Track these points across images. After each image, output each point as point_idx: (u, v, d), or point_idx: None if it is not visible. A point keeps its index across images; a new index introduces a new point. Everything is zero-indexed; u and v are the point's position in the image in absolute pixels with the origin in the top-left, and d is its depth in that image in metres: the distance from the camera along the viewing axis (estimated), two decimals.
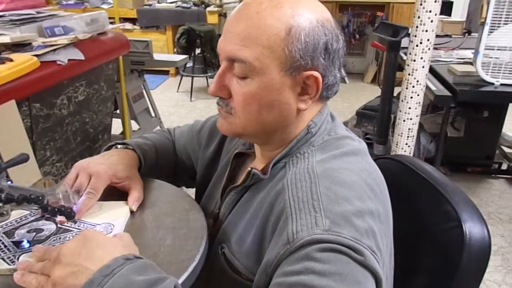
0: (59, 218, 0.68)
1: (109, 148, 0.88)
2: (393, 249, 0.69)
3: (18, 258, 0.63)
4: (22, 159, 0.64)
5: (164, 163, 0.94)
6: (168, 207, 0.79)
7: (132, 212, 0.76)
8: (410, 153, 2.02)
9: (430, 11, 1.73)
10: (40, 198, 0.59)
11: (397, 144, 2.02)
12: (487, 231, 0.72)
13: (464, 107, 2.27)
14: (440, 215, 0.76)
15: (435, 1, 1.72)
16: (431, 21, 1.74)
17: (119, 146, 0.88)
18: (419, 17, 1.76)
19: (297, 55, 0.61)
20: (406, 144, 2.00)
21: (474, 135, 2.70)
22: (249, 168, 0.69)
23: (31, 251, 0.63)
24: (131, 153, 0.85)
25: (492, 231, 2.29)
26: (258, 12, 0.61)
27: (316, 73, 0.63)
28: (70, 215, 0.66)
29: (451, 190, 0.77)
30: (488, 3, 1.85)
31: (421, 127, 2.34)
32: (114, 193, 0.79)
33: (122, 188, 0.79)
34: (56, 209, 0.64)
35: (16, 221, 0.72)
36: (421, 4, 1.75)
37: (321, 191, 0.58)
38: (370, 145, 2.40)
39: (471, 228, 0.71)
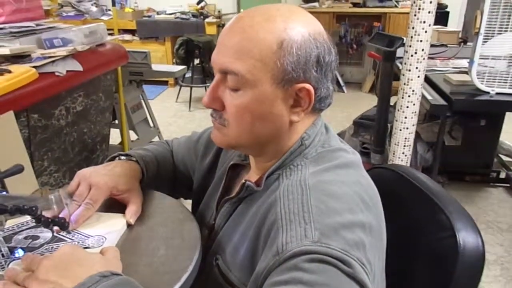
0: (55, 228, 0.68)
1: (113, 158, 0.89)
2: (387, 258, 0.69)
3: (8, 265, 0.63)
4: (17, 170, 0.65)
5: (164, 174, 0.94)
6: (162, 217, 0.79)
7: (129, 225, 0.76)
8: (407, 162, 2.02)
9: (424, 22, 1.75)
10: (34, 209, 0.59)
11: (394, 154, 2.02)
12: (481, 240, 0.72)
13: (461, 116, 2.28)
14: (434, 225, 0.76)
15: (429, 12, 1.74)
16: (425, 31, 1.76)
17: (122, 157, 0.88)
18: (413, 28, 1.78)
19: (289, 68, 0.62)
20: (403, 153, 2.00)
21: (471, 144, 2.71)
22: (243, 180, 0.70)
23: None
24: (134, 165, 0.86)
25: (491, 241, 2.29)
26: (251, 26, 0.62)
27: (308, 86, 0.64)
28: (63, 225, 0.67)
29: (445, 199, 0.78)
30: (481, 14, 1.87)
31: (418, 136, 2.34)
32: (115, 204, 0.80)
33: (122, 200, 0.79)
34: (49, 220, 0.64)
35: (18, 226, 0.73)
36: (415, 15, 1.77)
37: (312, 203, 0.58)
38: (367, 155, 2.41)
39: (465, 238, 0.71)
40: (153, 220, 0.78)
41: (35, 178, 1.61)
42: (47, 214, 0.68)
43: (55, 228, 0.69)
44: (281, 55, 0.61)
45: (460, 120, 2.43)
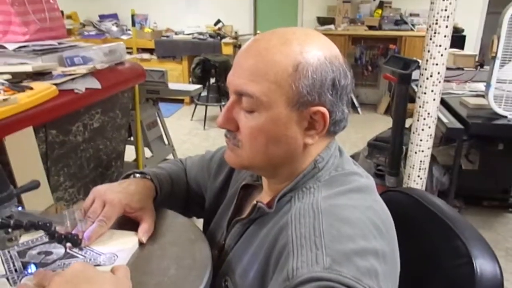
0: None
1: (128, 176, 0.89)
2: (401, 285, 0.67)
3: (20, 280, 0.64)
4: (33, 186, 0.66)
5: (177, 193, 0.95)
6: (173, 236, 0.79)
7: (141, 243, 0.76)
8: (422, 185, 1.99)
9: (440, 45, 1.75)
10: (48, 225, 0.60)
11: (409, 176, 2.00)
12: (499, 268, 0.70)
13: (478, 140, 2.25)
14: (450, 251, 0.74)
15: (445, 36, 1.74)
16: (441, 55, 1.76)
17: (137, 175, 0.89)
18: (429, 51, 1.79)
19: (304, 91, 0.62)
20: (418, 176, 1.98)
21: (489, 168, 2.66)
22: (255, 202, 0.69)
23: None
24: (149, 183, 0.86)
25: (511, 269, 2.21)
26: (267, 49, 0.63)
27: (323, 109, 0.64)
28: (76, 242, 0.67)
29: (461, 224, 0.76)
30: (498, 38, 1.87)
31: (434, 159, 2.31)
32: (128, 221, 0.80)
33: (135, 218, 0.80)
34: (62, 236, 0.65)
35: (32, 241, 0.74)
36: (430, 39, 1.77)
37: (324, 228, 0.57)
38: (381, 177, 2.38)
39: (482, 265, 0.69)
40: (164, 239, 0.78)
41: (51, 193, 1.64)
42: (60, 230, 0.69)
43: (68, 244, 0.70)
44: (297, 78, 0.62)
45: (477, 144, 2.39)
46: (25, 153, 1.46)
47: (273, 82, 0.62)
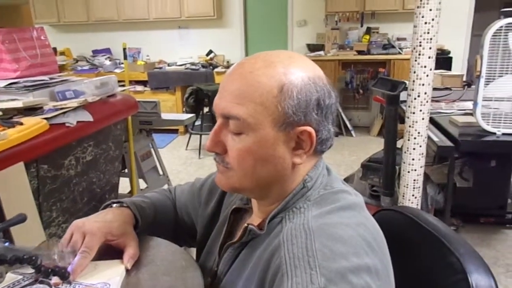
0: (54, 280, 0.68)
1: (106, 207, 0.89)
2: None
3: None
4: (19, 220, 0.66)
5: (163, 221, 0.94)
6: (164, 265, 0.78)
7: (127, 270, 0.75)
8: (417, 204, 1.99)
9: (425, 66, 1.79)
10: (33, 258, 0.59)
11: (403, 196, 2.00)
12: (494, 282, 0.69)
13: (471, 157, 2.27)
14: (445, 267, 0.74)
15: (429, 57, 1.79)
16: (427, 75, 1.80)
17: (114, 205, 0.89)
18: (415, 72, 1.82)
19: (290, 111, 0.63)
20: (413, 195, 1.98)
21: (483, 185, 2.66)
22: (246, 224, 0.69)
23: None
24: (127, 211, 0.86)
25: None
26: (251, 72, 0.64)
27: (309, 128, 0.65)
28: (64, 275, 0.66)
29: (455, 241, 0.76)
30: (481, 57, 1.91)
31: (428, 178, 2.32)
32: (110, 251, 0.79)
33: (117, 246, 0.79)
34: (49, 270, 0.64)
35: (9, 286, 0.70)
36: (416, 60, 1.81)
37: (317, 247, 0.57)
38: (377, 197, 2.38)
39: (478, 281, 0.69)
40: (155, 268, 0.77)
41: (43, 229, 1.61)
42: (47, 264, 0.67)
43: (53, 282, 0.68)
44: (282, 99, 0.63)
45: (470, 161, 2.40)
46: (16, 189, 1.45)
47: (259, 103, 0.63)
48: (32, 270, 0.61)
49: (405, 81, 2.06)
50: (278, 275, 0.58)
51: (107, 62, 5.62)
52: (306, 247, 0.58)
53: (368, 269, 0.56)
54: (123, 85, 2.97)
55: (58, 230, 1.81)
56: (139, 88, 5.38)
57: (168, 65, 5.62)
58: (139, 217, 0.86)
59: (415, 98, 1.85)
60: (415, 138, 1.90)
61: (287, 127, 0.64)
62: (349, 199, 0.68)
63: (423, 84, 1.82)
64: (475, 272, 0.70)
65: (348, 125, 5.22)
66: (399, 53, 4.94)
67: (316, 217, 0.63)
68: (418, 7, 1.77)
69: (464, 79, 3.21)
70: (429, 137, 2.02)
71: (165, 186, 3.09)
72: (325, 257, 0.55)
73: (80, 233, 0.76)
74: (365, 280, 0.54)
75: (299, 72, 0.65)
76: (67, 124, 1.66)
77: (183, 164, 4.39)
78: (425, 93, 1.83)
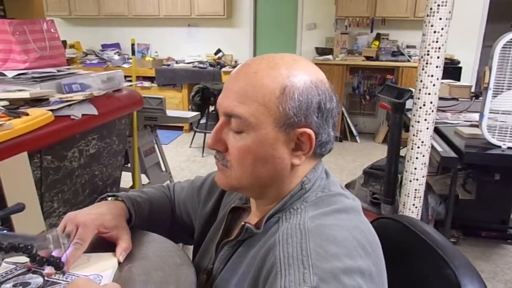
0: (47, 270, 0.68)
1: (101, 200, 0.90)
2: None
3: None
4: (17, 209, 0.66)
5: (159, 217, 0.94)
6: (158, 260, 0.79)
7: (120, 263, 0.76)
8: (417, 214, 1.98)
9: (432, 76, 1.79)
10: (29, 247, 0.60)
11: (404, 205, 1.99)
12: None
13: (474, 170, 2.25)
14: (439, 279, 0.74)
15: (437, 67, 1.78)
16: (433, 85, 1.79)
17: (109, 198, 0.90)
18: (421, 81, 1.81)
19: (291, 113, 0.64)
20: (413, 205, 1.96)
21: (486, 198, 2.64)
22: (243, 223, 0.70)
23: None
24: (121, 205, 0.87)
25: None
26: (256, 72, 0.66)
27: (309, 130, 0.66)
28: (58, 265, 0.66)
29: (451, 253, 0.76)
30: (490, 69, 1.90)
31: (429, 188, 2.30)
32: (102, 244, 0.80)
33: (110, 238, 0.80)
34: (44, 259, 0.64)
35: (2, 275, 0.71)
36: (423, 69, 1.80)
37: (311, 247, 0.58)
38: (377, 205, 2.37)
39: None
40: (149, 263, 0.78)
41: (43, 219, 1.63)
42: (42, 253, 0.68)
43: (46, 272, 0.69)
44: (283, 100, 0.64)
45: (474, 174, 2.39)
46: (18, 178, 1.46)
47: (261, 104, 0.64)
48: (26, 260, 0.61)
49: (412, 89, 2.05)
50: (272, 273, 0.58)
51: (116, 57, 5.65)
52: (301, 246, 0.58)
53: (361, 272, 0.56)
54: (130, 80, 2.99)
55: (58, 220, 1.82)
56: (146, 84, 5.41)
57: (176, 62, 5.65)
58: (133, 212, 0.87)
59: (420, 107, 1.84)
60: (418, 147, 1.89)
61: (288, 128, 0.65)
62: (346, 202, 0.69)
63: (429, 94, 1.81)
64: (470, 285, 0.70)
65: (353, 131, 5.20)
66: (408, 60, 4.92)
67: (312, 218, 0.64)
68: (427, 15, 1.76)
69: (473, 90, 3.19)
70: (433, 147, 2.01)
71: (167, 183, 3.10)
72: (319, 257, 0.56)
73: (73, 224, 0.77)
74: (357, 281, 0.55)
75: (302, 75, 0.66)
76: (72, 117, 1.67)
77: (186, 161, 4.40)
78: (431, 102, 1.82)
